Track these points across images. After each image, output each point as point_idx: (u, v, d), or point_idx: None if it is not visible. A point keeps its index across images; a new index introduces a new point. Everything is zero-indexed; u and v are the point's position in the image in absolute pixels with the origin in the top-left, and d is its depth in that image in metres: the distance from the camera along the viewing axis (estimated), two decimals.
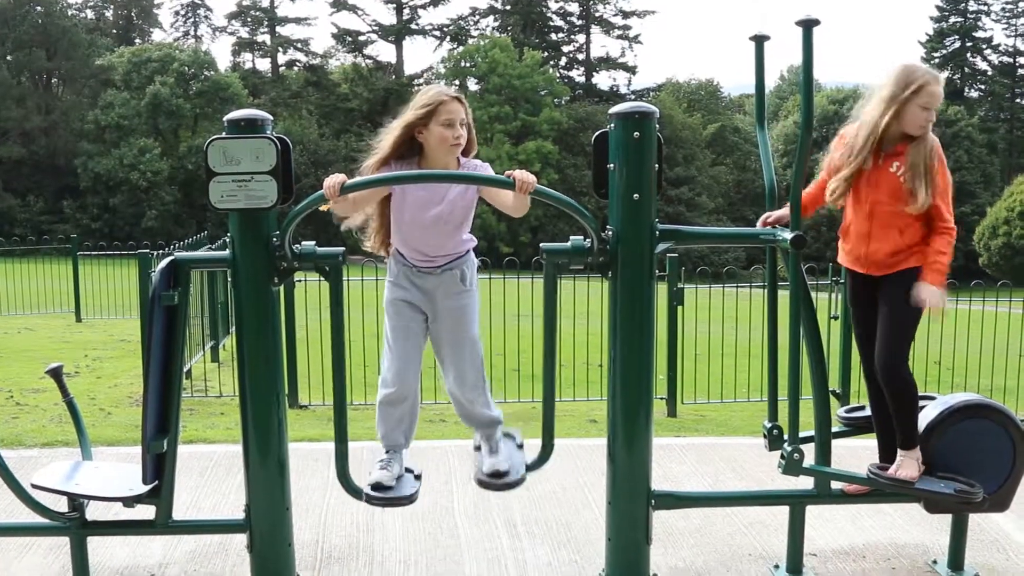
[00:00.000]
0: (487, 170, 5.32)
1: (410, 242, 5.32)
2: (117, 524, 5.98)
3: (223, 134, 5.12)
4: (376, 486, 5.33)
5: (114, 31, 74.85)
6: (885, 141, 5.47)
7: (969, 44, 77.30)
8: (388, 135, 5.29)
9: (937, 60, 77.07)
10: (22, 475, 5.61)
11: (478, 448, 5.66)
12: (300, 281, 10.51)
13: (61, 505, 5.49)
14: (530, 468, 5.59)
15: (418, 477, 5.56)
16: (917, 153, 5.45)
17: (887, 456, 5.70)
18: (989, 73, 78.09)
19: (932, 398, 5.88)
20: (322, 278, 5.42)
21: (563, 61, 79.74)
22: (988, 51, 77.83)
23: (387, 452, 5.49)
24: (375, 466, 5.44)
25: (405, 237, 5.32)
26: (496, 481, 5.44)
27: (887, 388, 5.51)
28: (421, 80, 73.65)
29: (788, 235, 5.26)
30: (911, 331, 5.56)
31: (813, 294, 5.56)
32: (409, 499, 5.37)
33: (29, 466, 7.33)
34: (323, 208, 5.18)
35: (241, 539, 5.70)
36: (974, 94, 78.27)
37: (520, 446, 5.71)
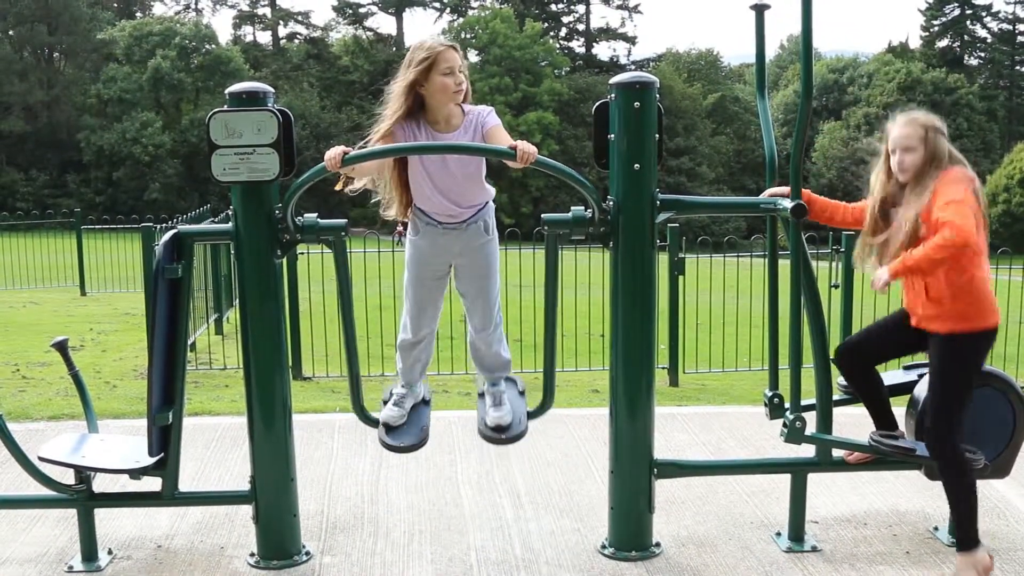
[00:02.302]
0: (492, 116, 5.35)
1: (440, 197, 5.33)
2: (123, 496, 6.02)
3: (225, 107, 5.14)
4: (386, 427, 5.67)
5: (115, 5, 74.59)
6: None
7: (969, 11, 77.01)
8: (393, 101, 5.30)
9: (936, 28, 76.84)
10: (29, 448, 5.65)
11: (481, 395, 5.84)
12: (303, 253, 10.53)
13: (68, 477, 5.53)
14: (532, 415, 5.79)
15: (427, 402, 5.94)
16: (912, 203, 5.17)
17: (883, 424, 5.71)
18: (989, 40, 77.86)
19: None
20: (325, 250, 5.44)
21: (563, 32, 79.54)
22: (988, 18, 77.60)
23: (403, 386, 5.80)
24: (389, 401, 5.78)
25: (434, 195, 5.34)
26: (499, 436, 5.62)
27: (938, 464, 5.29)
28: None
29: (788, 204, 5.27)
30: (963, 397, 5.23)
31: (813, 263, 5.58)
32: (416, 446, 5.63)
33: (36, 439, 7.37)
34: (339, 187, 5.24)
35: (247, 510, 5.74)
36: (974, 62, 78.07)
37: (522, 392, 5.94)
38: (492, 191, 5.53)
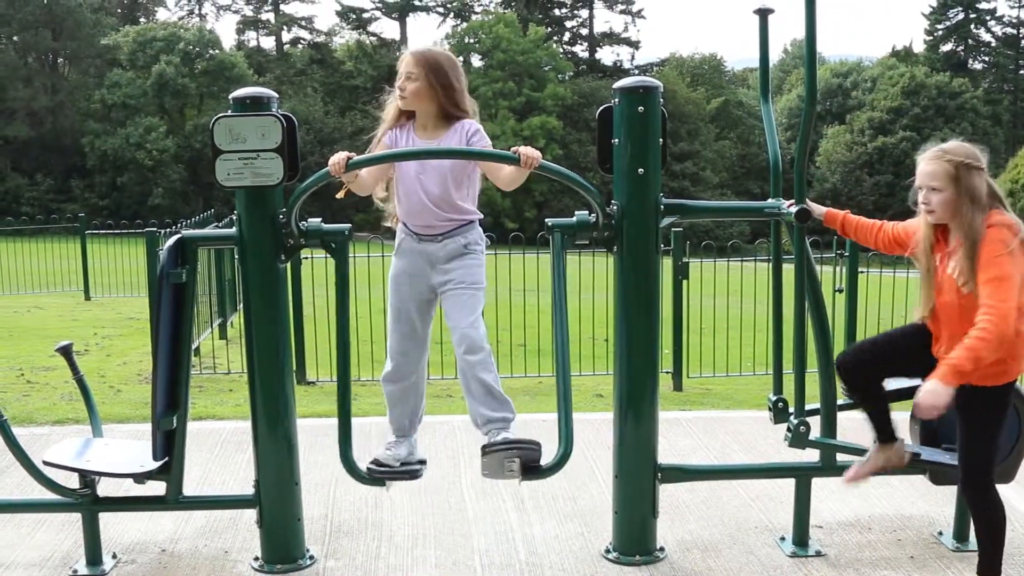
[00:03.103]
0: (482, 136, 5.31)
1: (413, 208, 5.31)
2: (128, 500, 6.02)
3: (229, 112, 5.15)
4: (376, 462, 5.46)
5: (119, 10, 74.62)
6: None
7: (973, 16, 76.84)
8: (388, 104, 5.40)
9: (941, 32, 76.74)
10: (34, 452, 5.65)
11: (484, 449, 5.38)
12: (307, 258, 10.54)
13: (72, 482, 5.54)
14: (547, 471, 5.26)
15: (423, 462, 5.60)
16: (956, 239, 4.76)
17: (883, 436, 5.41)
18: (993, 45, 77.72)
19: None
20: (328, 254, 5.45)
21: (567, 36, 79.43)
22: (992, 22, 77.40)
23: (396, 436, 5.57)
24: (381, 447, 5.56)
25: (408, 205, 5.33)
26: (505, 446, 5.19)
27: (975, 511, 5.04)
28: None
29: (792, 209, 5.27)
30: (995, 442, 4.96)
31: (817, 267, 5.58)
32: (411, 475, 5.48)
33: (40, 443, 7.37)
34: (340, 195, 5.25)
35: (251, 514, 5.74)
36: (978, 66, 77.92)
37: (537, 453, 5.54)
38: (477, 214, 5.44)
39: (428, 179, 5.25)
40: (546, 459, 5.22)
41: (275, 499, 5.52)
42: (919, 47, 79.27)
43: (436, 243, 5.35)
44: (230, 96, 5.27)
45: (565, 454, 5.21)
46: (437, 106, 5.26)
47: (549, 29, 74.63)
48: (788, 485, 5.97)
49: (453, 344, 5.46)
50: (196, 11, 78.10)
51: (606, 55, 79.74)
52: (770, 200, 5.60)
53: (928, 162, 4.80)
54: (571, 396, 5.30)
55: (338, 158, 4.96)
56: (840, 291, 10.56)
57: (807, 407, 5.58)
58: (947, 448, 5.57)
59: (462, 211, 5.37)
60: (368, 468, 5.43)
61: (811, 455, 5.83)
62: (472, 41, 68.79)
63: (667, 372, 10.72)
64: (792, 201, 5.40)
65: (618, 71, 76.26)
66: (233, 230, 5.39)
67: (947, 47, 77.33)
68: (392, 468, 5.41)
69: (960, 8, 76.80)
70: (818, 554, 5.78)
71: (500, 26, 67.55)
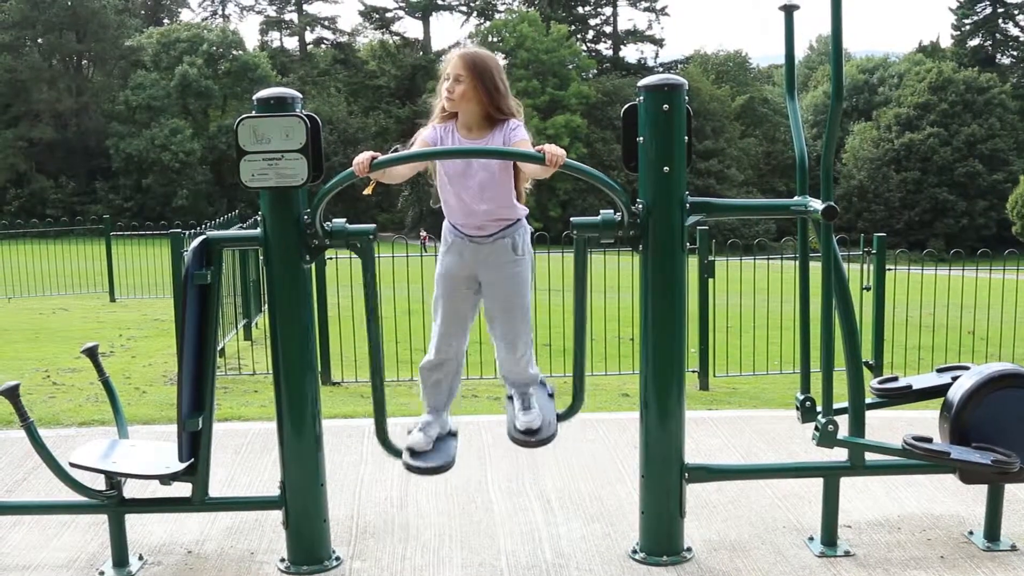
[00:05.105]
0: (521, 132, 5.28)
1: (462, 210, 5.29)
2: (154, 502, 6.02)
3: (253, 113, 5.14)
4: (411, 451, 5.50)
5: (143, 12, 75.02)
6: None
7: (1001, 10, 76.52)
8: (435, 104, 5.37)
9: (968, 26, 76.38)
10: (60, 454, 5.65)
11: (510, 398, 5.74)
12: (331, 258, 10.54)
13: (99, 483, 5.53)
14: (561, 418, 5.73)
15: (454, 434, 5.75)
16: None
17: None
18: (1021, 39, 77.32)
19: (966, 368, 5.85)
20: (353, 255, 5.44)
21: (590, 34, 79.51)
22: (1020, 16, 77.05)
23: (428, 413, 5.63)
24: (414, 428, 5.59)
25: (454, 206, 5.31)
26: (529, 439, 5.55)
27: None
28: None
29: (819, 206, 5.23)
30: None
31: (845, 265, 5.53)
32: (442, 468, 5.50)
33: (66, 445, 7.38)
34: (367, 191, 5.23)
35: (277, 515, 5.73)
36: (1006, 60, 77.51)
37: (551, 395, 5.84)
38: (524, 210, 5.43)
39: (475, 180, 5.23)
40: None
41: (301, 500, 5.51)
42: (946, 42, 79.04)
43: (486, 245, 5.33)
44: (254, 97, 5.25)
45: (574, 406, 5.77)
46: (482, 109, 5.22)
47: (572, 27, 74.72)
48: (816, 484, 5.92)
49: (498, 350, 5.60)
50: (219, 12, 78.55)
51: (630, 53, 79.90)
52: (796, 197, 5.57)
53: None
54: (586, 356, 5.75)
55: (362, 158, 4.94)
56: (868, 289, 10.51)
57: (835, 406, 5.54)
58: (977, 446, 5.52)
59: (510, 209, 5.33)
60: (404, 464, 5.49)
61: (839, 454, 5.78)
62: (495, 40, 68.87)
63: (693, 371, 10.68)
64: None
65: (642, 69, 76.32)
66: (258, 231, 5.38)
67: (974, 42, 77.01)
68: (424, 465, 5.46)
69: (988, 3, 76.46)
70: (847, 554, 5.73)
71: (523, 25, 67.71)
